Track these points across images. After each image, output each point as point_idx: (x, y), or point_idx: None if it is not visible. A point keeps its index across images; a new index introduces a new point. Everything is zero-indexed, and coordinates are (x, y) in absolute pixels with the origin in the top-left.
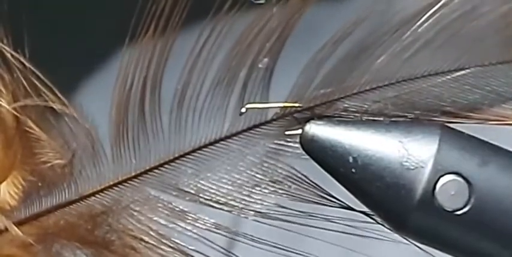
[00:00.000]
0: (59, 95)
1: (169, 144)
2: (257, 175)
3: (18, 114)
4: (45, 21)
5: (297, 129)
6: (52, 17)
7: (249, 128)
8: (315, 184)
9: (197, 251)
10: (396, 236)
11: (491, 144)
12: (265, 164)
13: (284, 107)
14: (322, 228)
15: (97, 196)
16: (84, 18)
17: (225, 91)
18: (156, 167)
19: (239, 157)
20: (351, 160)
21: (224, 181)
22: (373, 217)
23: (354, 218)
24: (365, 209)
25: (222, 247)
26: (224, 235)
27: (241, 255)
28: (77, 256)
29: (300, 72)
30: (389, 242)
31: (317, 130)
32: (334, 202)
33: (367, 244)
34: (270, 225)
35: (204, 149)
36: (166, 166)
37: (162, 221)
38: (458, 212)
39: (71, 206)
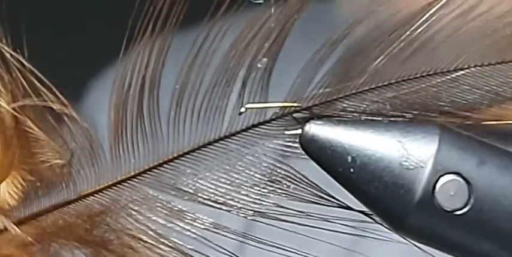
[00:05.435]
0: (58, 95)
1: (168, 144)
2: (256, 175)
3: (17, 114)
4: (45, 21)
5: (297, 129)
6: (52, 17)
7: (248, 128)
8: (313, 183)
9: (196, 251)
10: (395, 236)
11: (491, 144)
12: (264, 164)
13: (283, 107)
14: (320, 228)
15: (96, 195)
16: (85, 18)
17: (224, 91)
18: (154, 167)
19: (238, 157)
20: (349, 159)
21: (223, 180)
22: (372, 216)
23: (353, 218)
24: (364, 209)
25: (224, 248)
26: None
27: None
28: (75, 256)
29: (299, 72)
30: (388, 242)
31: (317, 129)
32: (333, 202)
33: (366, 243)
34: (271, 225)
35: (203, 148)
36: (165, 165)
37: (161, 221)
38: (458, 212)
39: (70, 206)
